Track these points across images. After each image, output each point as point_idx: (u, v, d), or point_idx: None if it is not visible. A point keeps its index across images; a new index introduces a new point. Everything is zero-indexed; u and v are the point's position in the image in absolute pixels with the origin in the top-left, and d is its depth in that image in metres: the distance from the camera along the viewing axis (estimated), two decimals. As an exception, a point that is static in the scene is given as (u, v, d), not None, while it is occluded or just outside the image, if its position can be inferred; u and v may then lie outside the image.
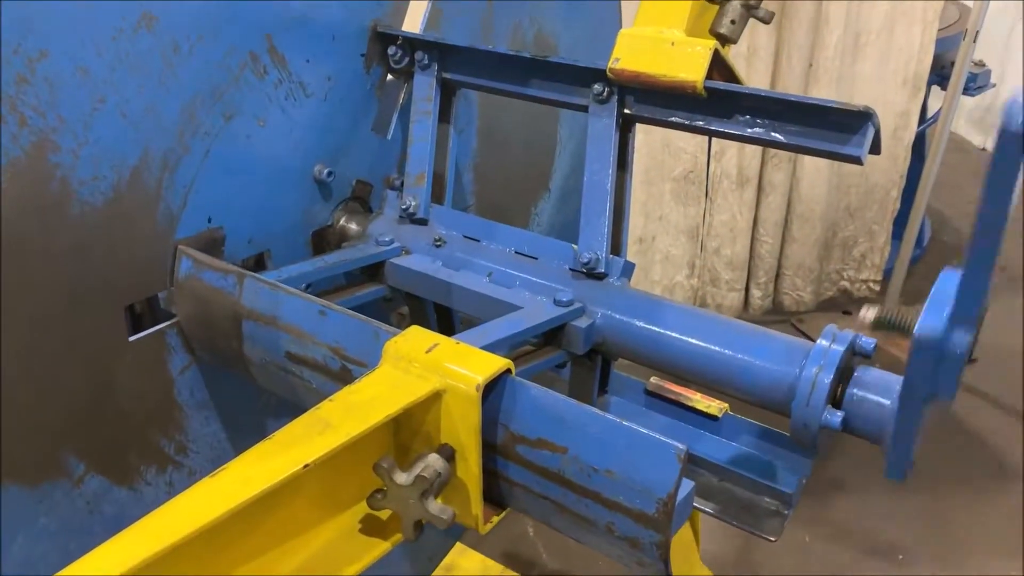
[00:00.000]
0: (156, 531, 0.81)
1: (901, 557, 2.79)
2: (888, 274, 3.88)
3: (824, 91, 3.42)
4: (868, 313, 1.15)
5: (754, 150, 3.52)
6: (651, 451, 0.95)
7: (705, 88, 1.28)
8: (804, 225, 3.78)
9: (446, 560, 2.45)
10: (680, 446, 0.93)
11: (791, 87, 3.42)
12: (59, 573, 0.77)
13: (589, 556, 2.76)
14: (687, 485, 0.99)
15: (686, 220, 3.63)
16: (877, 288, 4.04)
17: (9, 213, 1.13)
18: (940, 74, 3.70)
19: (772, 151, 3.55)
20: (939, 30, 3.55)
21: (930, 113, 4.02)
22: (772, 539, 1.36)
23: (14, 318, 1.18)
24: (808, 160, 3.60)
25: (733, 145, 3.48)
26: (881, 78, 3.53)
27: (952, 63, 3.37)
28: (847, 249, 3.96)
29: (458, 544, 2.49)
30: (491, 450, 1.06)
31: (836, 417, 1.17)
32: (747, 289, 3.91)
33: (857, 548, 2.82)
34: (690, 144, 3.45)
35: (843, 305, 4.08)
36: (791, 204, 3.74)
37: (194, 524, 0.82)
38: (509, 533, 2.87)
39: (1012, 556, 2.75)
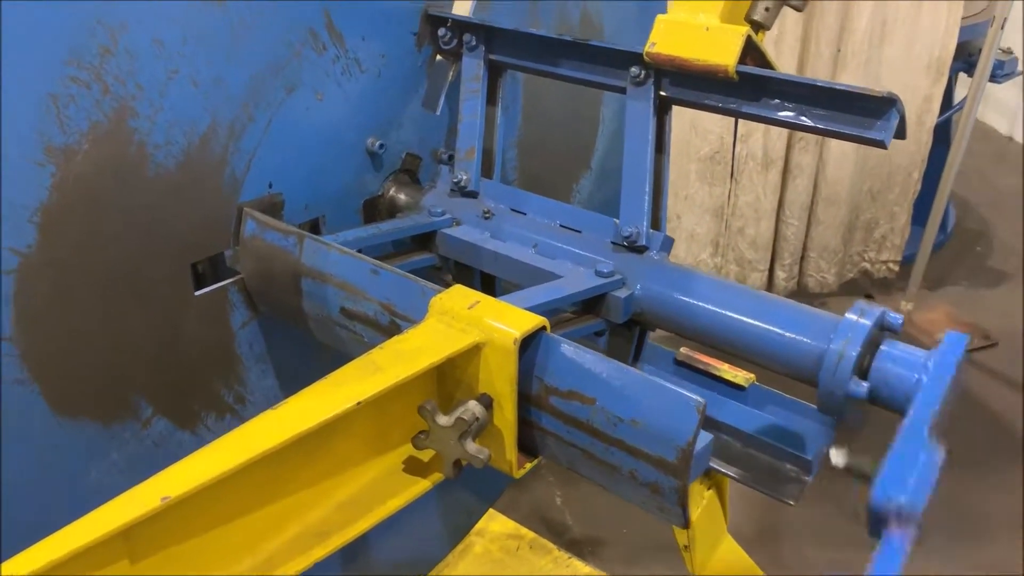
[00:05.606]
0: (227, 452, 0.92)
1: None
2: (909, 259, 3.91)
3: (851, 76, 3.46)
4: (838, 458, 1.23)
5: (779, 133, 3.57)
6: (673, 403, 1.03)
7: (737, 72, 1.35)
8: (829, 208, 3.83)
9: (479, 525, 2.55)
10: (699, 399, 1.01)
11: (819, 71, 3.46)
12: (148, 480, 0.87)
13: (616, 522, 2.84)
14: (705, 437, 1.06)
15: (711, 200, 3.70)
16: (896, 269, 4.08)
17: (90, 173, 1.24)
18: (967, 61, 3.72)
19: (799, 134, 3.59)
20: (967, 17, 3.56)
21: (956, 101, 4.03)
22: (791, 503, 1.43)
23: (93, 268, 1.29)
24: (835, 143, 3.64)
25: (759, 127, 3.53)
26: (906, 62, 3.55)
27: (979, 50, 3.39)
28: (869, 231, 4.01)
29: (490, 510, 2.58)
30: (526, 400, 1.15)
31: (862, 388, 1.22)
32: (771, 270, 3.97)
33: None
34: (716, 125, 3.51)
35: (865, 288, 4.13)
36: (817, 187, 3.79)
37: (258, 449, 0.92)
38: (537, 500, 2.96)
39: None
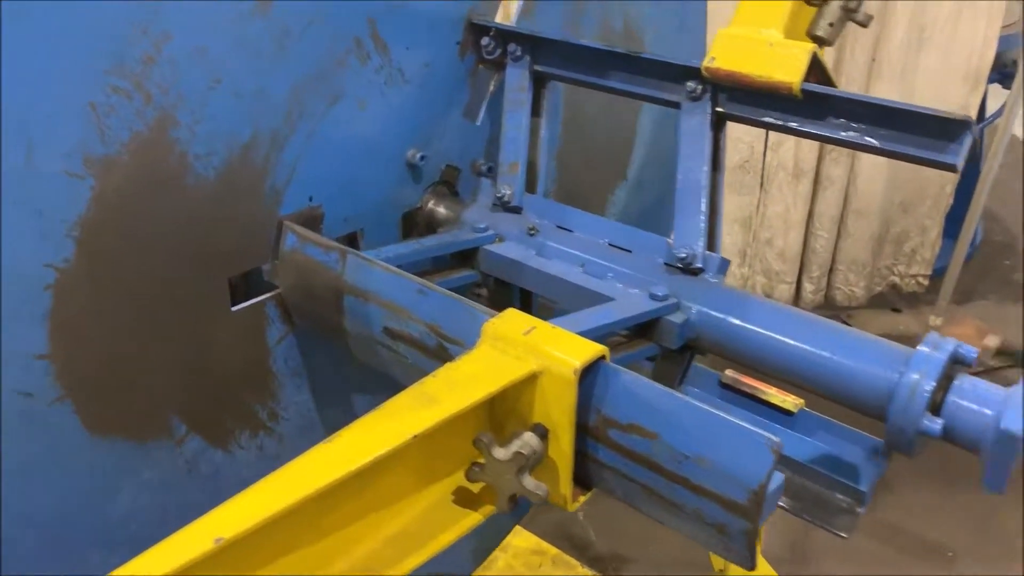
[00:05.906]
0: (281, 490, 0.87)
1: (950, 555, 2.78)
2: (938, 272, 3.86)
3: (887, 86, 3.41)
4: (990, 341, 1.18)
5: (811, 143, 3.52)
6: (745, 442, 0.98)
7: (801, 90, 1.30)
8: (859, 220, 3.79)
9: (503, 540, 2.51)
10: (774, 439, 0.96)
11: (854, 80, 3.41)
12: (201, 518, 0.83)
13: (640, 538, 2.79)
14: (778, 477, 1.01)
15: (740, 210, 3.66)
16: (926, 283, 4.04)
17: (130, 184, 1.20)
18: (1002, 72, 3.67)
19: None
20: (1003, 27, 3.51)
21: (987, 113, 3.98)
22: (844, 536, 1.38)
23: (129, 283, 1.25)
24: (867, 155, 3.60)
25: (790, 137, 3.50)
26: (943, 72, 3.51)
27: (1014, 62, 3.34)
28: (899, 244, 3.98)
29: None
30: (582, 431, 1.10)
31: (936, 424, 1.17)
32: (799, 282, 3.92)
33: (906, 546, 2.83)
34: (747, 134, 3.47)
35: (893, 302, 4.10)
36: (848, 199, 3.76)
37: (313, 486, 0.88)
38: (560, 515, 2.92)
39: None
